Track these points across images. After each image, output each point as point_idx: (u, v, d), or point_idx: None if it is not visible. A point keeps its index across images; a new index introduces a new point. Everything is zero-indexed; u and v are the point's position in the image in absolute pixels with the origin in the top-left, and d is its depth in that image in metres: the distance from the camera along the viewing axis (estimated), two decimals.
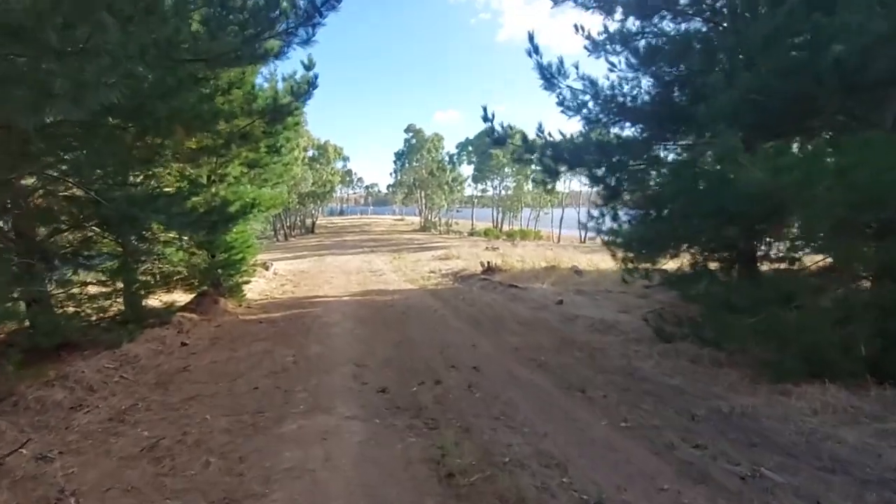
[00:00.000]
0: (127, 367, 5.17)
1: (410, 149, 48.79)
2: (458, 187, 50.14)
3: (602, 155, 6.42)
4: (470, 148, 47.70)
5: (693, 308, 7.44)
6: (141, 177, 5.98)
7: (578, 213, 45.39)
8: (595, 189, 8.10)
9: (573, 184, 47.19)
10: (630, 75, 6.43)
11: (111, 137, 4.25)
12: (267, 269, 14.49)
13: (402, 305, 9.00)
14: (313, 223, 47.80)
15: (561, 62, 6.51)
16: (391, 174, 52.86)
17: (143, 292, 7.30)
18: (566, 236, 44.58)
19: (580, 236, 44.49)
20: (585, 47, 7.00)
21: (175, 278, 8.36)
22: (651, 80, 6.20)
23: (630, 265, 6.37)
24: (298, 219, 46.47)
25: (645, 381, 4.40)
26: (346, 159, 58.50)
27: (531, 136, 7.34)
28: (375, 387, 4.42)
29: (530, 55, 6.65)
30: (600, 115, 6.73)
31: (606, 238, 7.38)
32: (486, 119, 7.10)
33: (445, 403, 3.96)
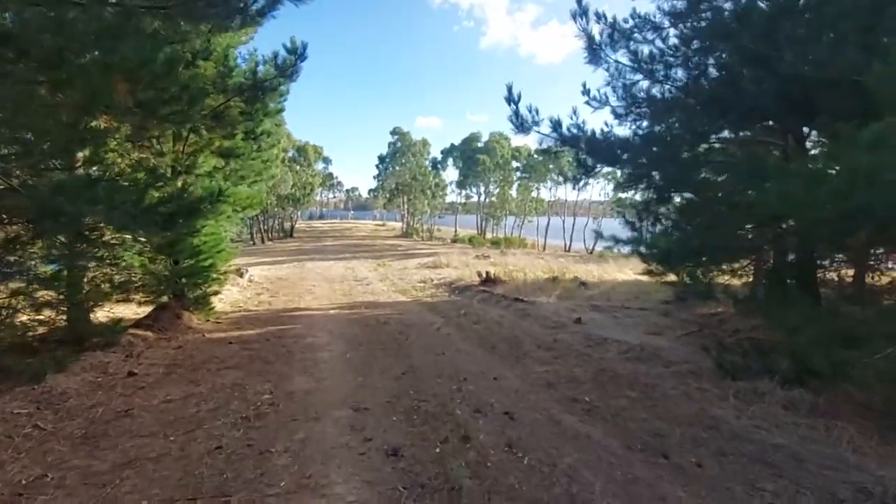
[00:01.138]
0: (47, 410, 3.90)
1: (395, 152, 47.64)
2: (441, 193, 49.18)
3: (648, 149, 5.41)
4: (455, 154, 46.78)
5: (748, 331, 6.54)
6: (81, 161, 4.72)
7: (563, 222, 45.00)
8: (631, 193, 7.11)
9: (560, 191, 46.79)
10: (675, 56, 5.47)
11: (25, 96, 3.05)
12: (241, 275, 13.15)
13: (398, 321, 7.85)
14: (292, 227, 46.13)
15: (612, 29, 5.49)
16: (374, 178, 51.57)
17: (89, 305, 6.01)
18: (551, 245, 43.98)
19: (565, 245, 44.13)
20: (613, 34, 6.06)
21: (133, 286, 7.05)
22: (704, 58, 5.23)
23: (685, 280, 5.37)
24: (277, 222, 44.75)
25: (739, 440, 3.36)
26: (326, 161, 57.07)
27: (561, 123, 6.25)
28: (383, 445, 3.27)
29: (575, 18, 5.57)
30: (640, 104, 5.74)
31: (645, 251, 6.41)
32: (510, 101, 6.03)
33: (485, 478, 2.85)
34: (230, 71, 5.89)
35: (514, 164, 46.89)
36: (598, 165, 6.43)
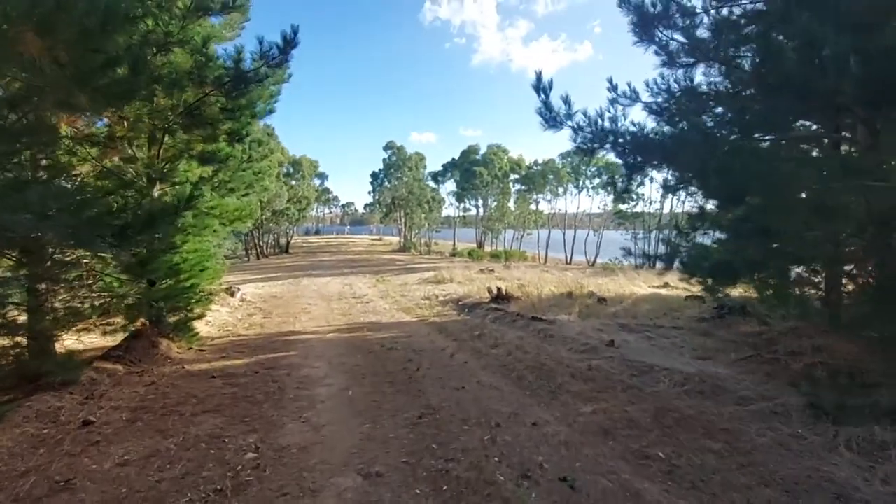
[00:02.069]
0: None
1: (390, 166, 47.02)
2: (437, 206, 48.50)
3: (705, 145, 4.57)
4: (454, 167, 46.19)
5: (809, 354, 5.67)
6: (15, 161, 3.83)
7: (564, 235, 44.27)
8: (650, 205, 6.25)
9: (560, 203, 46.15)
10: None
11: None
12: (232, 294, 12.20)
13: (405, 346, 6.93)
14: (288, 242, 45.18)
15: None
16: (369, 192, 50.84)
17: (51, 334, 5.08)
18: (552, 258, 43.16)
19: (566, 258, 43.32)
20: None
21: (105, 311, 6.12)
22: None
23: (764, 293, 4.53)
24: (272, 237, 43.81)
25: None
26: (322, 176, 56.43)
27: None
28: None
29: None
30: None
31: (688, 264, 5.58)
32: (539, 89, 5.21)
33: None
34: (209, 60, 5.05)
35: (513, 176, 46.32)
36: (646, 165, 5.59)
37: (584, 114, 5.12)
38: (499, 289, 10.82)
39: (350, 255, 37.57)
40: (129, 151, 5.95)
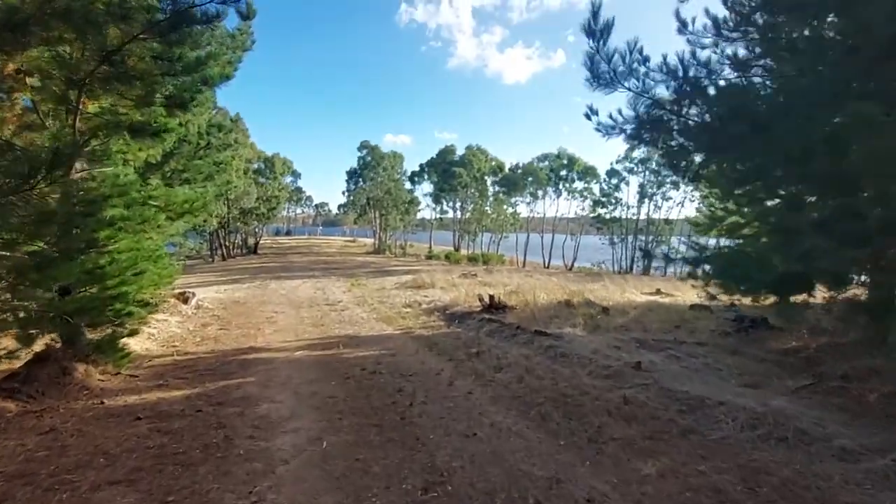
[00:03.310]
0: None
1: (365, 166, 45.46)
2: (413, 208, 47.21)
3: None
4: (431, 167, 44.97)
5: (867, 378, 4.71)
6: None
7: (542, 238, 43.65)
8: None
9: (538, 206, 45.49)
10: None
11: None
12: (186, 301, 10.67)
13: (391, 369, 5.70)
14: (256, 243, 43.05)
15: None
16: (344, 192, 49.12)
17: None
18: (530, 262, 42.43)
19: (544, 262, 42.66)
20: None
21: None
22: None
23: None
24: (240, 237, 41.61)
25: None
26: (295, 175, 54.39)
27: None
28: None
29: None
30: None
31: (716, 271, 4.58)
32: (591, 32, 4.08)
33: None
34: None
35: (492, 178, 45.46)
36: (709, 149, 4.52)
37: (665, 61, 3.99)
38: (491, 297, 9.68)
39: (322, 256, 35.87)
40: (38, 120, 4.57)
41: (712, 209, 13.20)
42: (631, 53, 4.10)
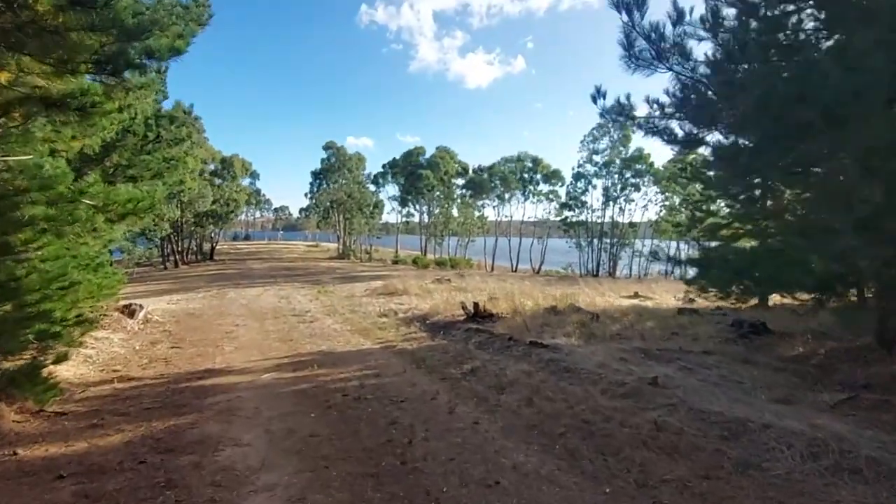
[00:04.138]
0: None
1: (329, 168, 44.02)
2: (378, 211, 46.16)
3: None
4: (396, 168, 44.01)
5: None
6: None
7: (510, 242, 43.50)
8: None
9: (505, 210, 45.29)
10: None
11: None
12: (132, 314, 9.46)
13: (378, 393, 4.91)
14: (212, 248, 40.86)
15: None
16: (306, 195, 47.44)
17: None
18: (497, 266, 42.15)
19: (512, 265, 42.49)
20: None
21: None
22: None
23: None
24: (195, 243, 39.33)
25: None
26: (254, 176, 52.28)
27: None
28: None
29: None
30: None
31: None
32: (621, 5, 3.45)
33: None
34: None
35: (459, 181, 44.97)
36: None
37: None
38: (476, 304, 9.00)
39: (284, 262, 34.34)
40: None
41: (693, 211, 13.08)
42: (674, 25, 3.52)
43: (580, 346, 6.85)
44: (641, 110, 5.39)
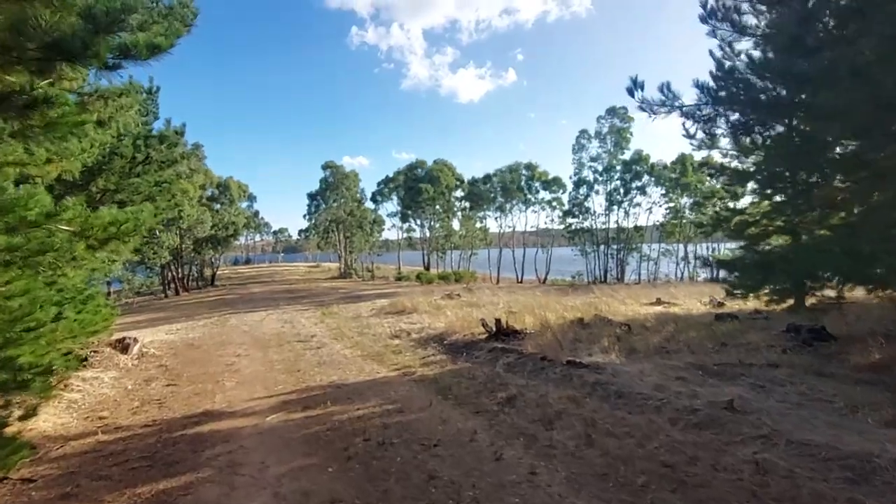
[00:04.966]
0: None
1: (327, 187, 43.50)
2: (379, 228, 45.48)
3: None
4: (396, 184, 43.47)
5: None
6: None
7: (514, 253, 42.75)
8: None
9: (507, 220, 44.64)
10: None
11: None
12: (126, 349, 8.71)
13: (404, 435, 4.16)
14: (213, 274, 40.14)
15: None
16: (305, 216, 46.86)
17: None
18: (503, 278, 41.36)
19: (517, 276, 41.67)
20: None
21: None
22: None
23: None
24: (195, 269, 38.62)
25: None
26: (252, 199, 51.83)
27: None
28: None
29: None
30: None
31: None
32: None
33: None
34: None
35: (458, 193, 44.40)
36: None
37: None
38: (498, 321, 8.25)
39: (286, 284, 33.61)
40: None
41: (717, 210, 12.35)
42: None
43: (624, 364, 6.10)
44: (687, 97, 4.76)
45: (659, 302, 13.84)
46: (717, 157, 11.54)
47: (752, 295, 10.07)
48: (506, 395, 5.18)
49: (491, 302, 14.97)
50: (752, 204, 11.50)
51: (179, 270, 33.66)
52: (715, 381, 5.15)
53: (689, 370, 5.60)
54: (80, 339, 7.87)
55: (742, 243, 11.81)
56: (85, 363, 7.43)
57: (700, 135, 5.61)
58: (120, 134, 7.83)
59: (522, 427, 4.23)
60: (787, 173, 7.73)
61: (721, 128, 5.14)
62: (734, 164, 11.13)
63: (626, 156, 38.82)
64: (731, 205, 11.00)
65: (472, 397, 5.24)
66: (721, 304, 12.45)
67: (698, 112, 4.64)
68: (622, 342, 7.29)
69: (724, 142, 10.69)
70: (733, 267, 11.38)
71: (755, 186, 11.25)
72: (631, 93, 4.78)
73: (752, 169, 10.34)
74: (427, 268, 44.26)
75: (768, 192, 10.94)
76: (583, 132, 39.92)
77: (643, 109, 4.90)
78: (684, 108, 4.66)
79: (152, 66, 3.92)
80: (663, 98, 4.68)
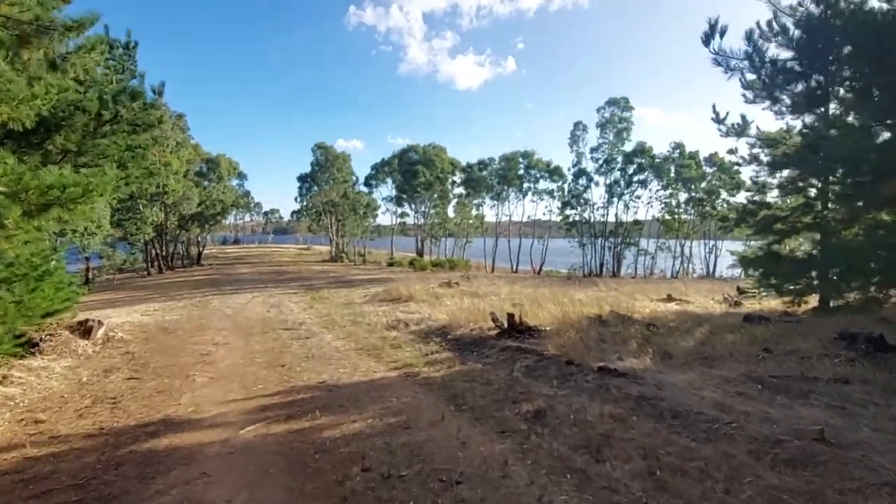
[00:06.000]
0: None
1: (320, 168, 42.18)
2: (371, 213, 44.31)
3: None
4: (391, 167, 42.25)
5: None
6: None
7: (509, 242, 41.89)
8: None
9: (504, 209, 43.70)
10: None
11: None
12: (88, 333, 7.70)
13: (417, 467, 3.26)
14: (199, 253, 38.86)
15: None
16: (296, 198, 45.55)
17: None
18: (498, 267, 40.53)
19: (512, 266, 40.85)
20: None
21: None
22: None
23: None
24: (181, 247, 37.27)
25: None
26: (243, 177, 50.27)
27: None
28: None
29: None
30: None
31: None
32: None
33: None
34: None
35: (455, 178, 43.31)
36: None
37: None
38: (510, 315, 7.34)
39: (275, 265, 32.50)
40: None
41: (743, 204, 11.48)
42: None
43: (663, 372, 5.24)
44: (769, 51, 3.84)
45: (670, 299, 13.03)
46: (742, 147, 10.67)
47: (766, 295, 9.33)
48: (532, 407, 4.30)
49: (491, 292, 14.10)
50: (780, 198, 10.71)
51: (164, 248, 32.37)
52: (784, 400, 4.30)
53: (745, 383, 4.75)
54: (32, 322, 6.85)
55: (761, 241, 11.04)
56: (34, 349, 6.43)
57: (766, 103, 4.70)
58: (82, 83, 6.75)
59: (564, 456, 3.34)
60: (839, 163, 6.88)
61: (789, 96, 4.26)
62: (761, 154, 10.31)
63: (628, 147, 37.97)
64: (758, 198, 10.12)
65: (491, 409, 4.34)
66: (738, 304, 11.70)
67: (784, 68, 3.75)
68: (652, 345, 6.43)
69: (754, 129, 9.87)
70: (756, 264, 10.59)
71: (783, 181, 10.46)
72: (706, 42, 3.84)
73: (785, 158, 9.50)
74: (420, 254, 43.30)
75: (800, 184, 10.15)
76: (577, 124, 39.09)
77: (718, 63, 3.99)
78: (777, 62, 3.74)
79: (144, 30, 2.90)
80: (749, 50, 3.75)
